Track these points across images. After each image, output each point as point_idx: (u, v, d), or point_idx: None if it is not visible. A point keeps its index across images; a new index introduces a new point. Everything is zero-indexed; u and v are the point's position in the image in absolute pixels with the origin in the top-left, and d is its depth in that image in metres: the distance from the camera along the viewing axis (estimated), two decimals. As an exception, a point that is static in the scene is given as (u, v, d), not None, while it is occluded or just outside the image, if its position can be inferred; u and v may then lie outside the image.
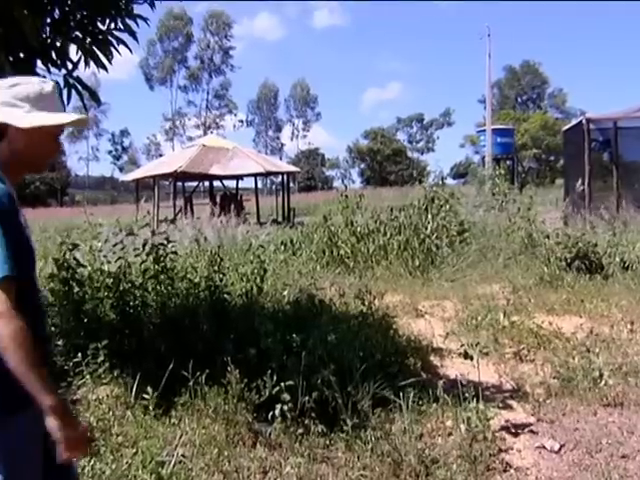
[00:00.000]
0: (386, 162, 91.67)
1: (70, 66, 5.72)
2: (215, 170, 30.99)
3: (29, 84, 2.80)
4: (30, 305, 2.65)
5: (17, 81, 2.79)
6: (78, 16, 5.75)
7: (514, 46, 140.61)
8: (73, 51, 5.75)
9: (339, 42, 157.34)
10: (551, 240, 12.36)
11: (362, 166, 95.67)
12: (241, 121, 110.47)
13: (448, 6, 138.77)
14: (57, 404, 2.45)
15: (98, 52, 5.76)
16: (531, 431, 5.29)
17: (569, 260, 11.43)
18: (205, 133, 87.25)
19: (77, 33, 5.73)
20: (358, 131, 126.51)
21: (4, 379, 2.46)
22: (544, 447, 5.00)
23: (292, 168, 42.91)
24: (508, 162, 49.33)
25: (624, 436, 5.14)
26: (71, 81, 5.68)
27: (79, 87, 5.75)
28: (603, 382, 6.03)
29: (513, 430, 5.29)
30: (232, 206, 25.78)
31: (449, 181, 30.94)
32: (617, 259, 11.84)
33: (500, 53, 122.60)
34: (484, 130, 47.05)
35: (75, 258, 7.12)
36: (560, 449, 4.97)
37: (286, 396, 4.91)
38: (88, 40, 5.74)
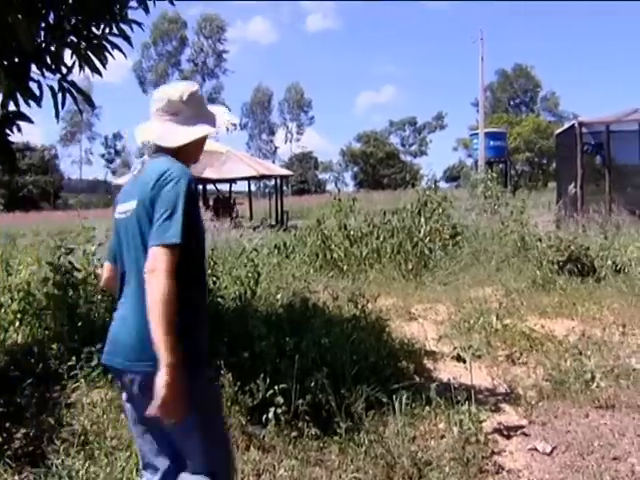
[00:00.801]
0: (379, 165, 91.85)
1: (64, 70, 5.74)
2: (208, 174, 30.93)
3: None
4: (196, 277, 3.25)
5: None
6: (73, 21, 5.76)
7: (507, 49, 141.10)
8: (67, 55, 5.78)
9: (332, 46, 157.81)
10: (543, 243, 12.40)
11: (355, 169, 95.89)
12: (234, 124, 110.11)
13: (442, 10, 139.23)
14: (174, 366, 2.80)
15: (93, 57, 5.78)
16: (523, 433, 5.31)
17: (561, 263, 11.47)
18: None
19: (72, 38, 5.75)
20: (351, 134, 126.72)
21: (193, 339, 3.09)
22: (536, 449, 5.03)
23: (285, 171, 42.91)
24: (501, 165, 49.48)
25: (616, 438, 5.16)
26: (65, 85, 5.70)
27: (73, 91, 5.77)
28: (595, 384, 6.06)
29: (505, 432, 5.32)
30: (225, 209, 25.78)
31: (442, 184, 30.98)
32: (609, 262, 11.88)
33: (493, 56, 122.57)
34: (477, 133, 47.11)
35: (70, 262, 7.15)
36: (552, 451, 5.00)
37: (280, 399, 4.93)
38: (83, 45, 5.76)
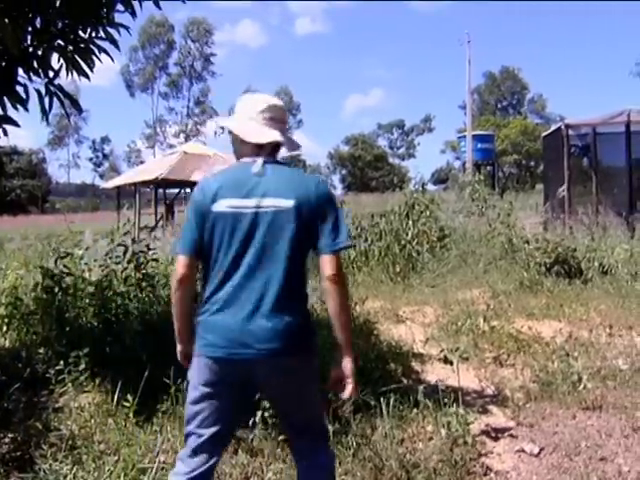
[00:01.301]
0: (367, 168, 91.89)
1: (51, 74, 5.73)
2: (196, 177, 30.82)
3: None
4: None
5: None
6: (60, 24, 5.75)
7: (494, 52, 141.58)
8: (54, 59, 5.77)
9: (321, 49, 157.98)
10: (531, 245, 12.45)
11: (343, 172, 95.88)
12: (222, 128, 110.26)
13: (429, 13, 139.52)
14: (354, 357, 3.57)
15: (80, 60, 5.77)
16: (511, 435, 5.33)
17: (548, 265, 11.52)
18: (186, 140, 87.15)
19: (59, 41, 5.74)
20: (340, 138, 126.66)
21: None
22: (524, 451, 5.04)
23: (273, 174, 42.95)
24: (488, 168, 49.62)
25: (602, 439, 5.19)
26: (52, 89, 5.69)
27: (60, 95, 5.76)
28: (582, 386, 6.09)
29: (493, 434, 5.33)
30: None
31: (430, 187, 31.05)
32: (596, 264, 11.95)
33: (480, 59, 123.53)
34: (464, 136, 47.29)
35: (66, 266, 7.14)
36: (539, 452, 5.02)
37: (266, 402, 4.92)
38: (70, 48, 5.74)
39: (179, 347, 3.80)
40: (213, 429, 3.53)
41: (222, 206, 3.48)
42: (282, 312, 3.41)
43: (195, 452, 3.54)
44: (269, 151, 3.65)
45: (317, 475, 3.69)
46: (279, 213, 3.45)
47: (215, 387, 3.50)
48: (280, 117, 3.76)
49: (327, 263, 3.42)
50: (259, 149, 3.63)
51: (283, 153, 3.76)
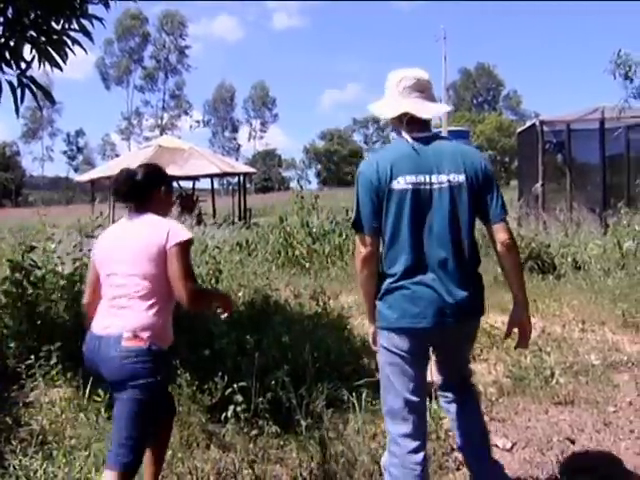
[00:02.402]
0: (342, 163, 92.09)
1: (23, 66, 5.68)
2: (171, 171, 30.70)
3: None
4: None
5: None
6: (32, 15, 5.70)
7: (469, 49, 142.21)
8: (27, 50, 5.72)
9: (298, 44, 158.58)
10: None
11: (318, 167, 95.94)
12: (197, 121, 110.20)
13: (406, 9, 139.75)
14: (528, 309, 4.02)
15: (52, 52, 5.73)
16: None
17: (522, 260, 11.53)
18: (161, 133, 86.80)
19: (31, 32, 5.69)
20: (316, 132, 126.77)
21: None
22: (497, 445, 5.04)
23: (248, 169, 42.78)
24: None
25: (574, 433, 5.21)
26: (25, 81, 5.64)
27: (33, 87, 5.71)
28: (554, 381, 6.12)
29: (466, 429, 5.34)
30: (188, 207, 25.64)
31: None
32: (569, 259, 12.01)
33: (456, 55, 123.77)
34: (440, 131, 47.34)
35: (33, 260, 7.07)
36: (512, 447, 5.04)
37: (239, 397, 4.90)
38: (42, 40, 5.70)
39: (372, 328, 4.01)
40: (415, 397, 3.83)
41: (400, 183, 3.69)
42: (467, 280, 3.76)
43: (413, 426, 3.82)
44: (410, 121, 3.82)
45: (469, 405, 4.15)
46: (453, 187, 3.72)
47: (407, 358, 3.78)
48: (417, 86, 3.90)
49: (500, 230, 3.79)
50: (414, 125, 3.84)
51: (425, 116, 3.87)
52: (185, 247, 3.89)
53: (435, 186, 3.71)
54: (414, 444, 3.78)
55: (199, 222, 19.14)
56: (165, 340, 3.95)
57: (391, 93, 3.95)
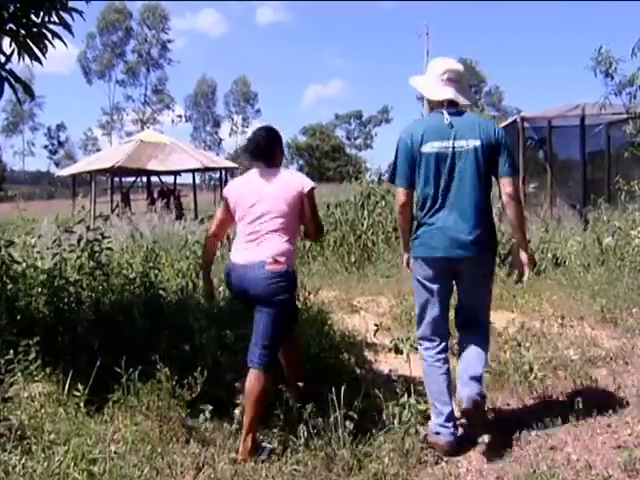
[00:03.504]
0: (325, 158, 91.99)
1: (3, 59, 5.65)
2: (153, 165, 30.68)
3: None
4: None
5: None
6: (12, 8, 5.67)
7: (452, 45, 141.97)
8: (6, 43, 5.68)
9: (282, 39, 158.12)
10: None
11: (300, 162, 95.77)
12: (179, 116, 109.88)
13: (389, 5, 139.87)
14: (527, 249, 5.30)
15: (32, 45, 5.70)
16: (462, 424, 5.36)
17: (503, 256, 11.58)
18: (143, 128, 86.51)
19: (10, 25, 5.66)
20: (298, 127, 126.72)
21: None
22: (476, 440, 5.08)
23: (230, 164, 42.60)
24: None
25: (553, 427, 5.24)
26: (4, 74, 5.61)
27: (12, 80, 5.68)
28: (533, 375, 6.14)
29: (445, 424, 5.36)
30: (169, 202, 25.59)
31: (386, 178, 31.07)
32: (549, 255, 12.06)
33: (438, 51, 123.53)
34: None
35: (10, 255, 7.04)
36: (491, 441, 5.05)
37: (222, 394, 4.91)
38: (22, 33, 5.67)
39: (405, 256, 5.40)
40: (441, 311, 5.16)
41: (428, 147, 4.93)
42: (480, 223, 4.95)
43: (435, 331, 5.19)
44: (449, 104, 5.06)
45: (471, 345, 5.18)
46: (470, 151, 4.91)
47: (436, 280, 5.05)
48: (456, 77, 5.15)
49: (507, 184, 4.98)
50: (442, 103, 5.09)
51: (462, 102, 5.14)
52: (314, 192, 5.21)
53: (457, 149, 4.91)
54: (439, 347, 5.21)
55: (179, 217, 19.07)
56: (293, 264, 5.15)
57: (436, 79, 5.14)
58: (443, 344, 5.20)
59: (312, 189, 5.16)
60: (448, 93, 5.07)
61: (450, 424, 4.98)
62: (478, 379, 5.01)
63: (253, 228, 5.07)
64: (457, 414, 5.21)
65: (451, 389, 5.14)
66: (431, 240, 4.94)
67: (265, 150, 5.25)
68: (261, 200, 5.09)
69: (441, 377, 5.10)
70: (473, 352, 5.14)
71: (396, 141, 5.13)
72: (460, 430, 5.14)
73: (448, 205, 4.92)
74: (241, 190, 5.27)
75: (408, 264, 5.35)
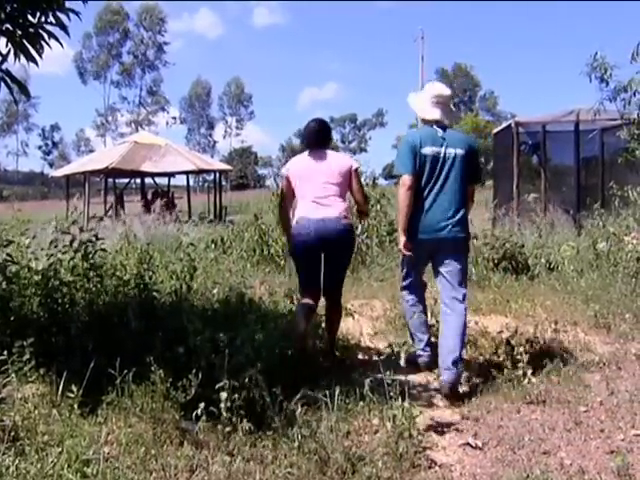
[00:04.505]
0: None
1: (-1, 59, 5.64)
2: (147, 167, 30.73)
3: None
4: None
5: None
6: (8, 8, 5.66)
7: (447, 49, 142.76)
8: (2, 44, 5.67)
9: (279, 41, 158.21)
10: (479, 241, 12.52)
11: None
12: (174, 118, 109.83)
13: (386, 9, 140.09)
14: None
15: (28, 45, 5.69)
16: (456, 429, 5.37)
17: (496, 261, 11.62)
18: (137, 129, 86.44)
19: (7, 25, 5.65)
20: (294, 130, 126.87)
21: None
22: (468, 444, 5.08)
23: (224, 166, 42.68)
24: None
25: (546, 433, 5.25)
26: (0, 74, 5.60)
27: (8, 80, 5.67)
28: (526, 380, 6.14)
29: (438, 428, 5.36)
30: (163, 203, 25.56)
31: (381, 181, 31.10)
32: (543, 260, 12.09)
33: (433, 56, 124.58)
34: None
35: (9, 254, 7.03)
36: (484, 446, 5.07)
37: (224, 394, 4.89)
38: (18, 33, 5.65)
39: (403, 238, 6.47)
40: (421, 272, 7.07)
41: (427, 150, 6.39)
42: (459, 213, 6.44)
43: (415, 285, 7.02)
44: (436, 121, 6.58)
45: (451, 319, 6.39)
46: (457, 157, 6.43)
47: (422, 256, 6.64)
48: (444, 101, 6.68)
49: (472, 189, 6.81)
50: (438, 123, 6.57)
51: (446, 122, 6.65)
52: (359, 170, 7.17)
53: (446, 155, 6.41)
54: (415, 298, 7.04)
55: (174, 219, 19.03)
56: None
57: (428, 101, 6.65)
58: (421, 293, 7.14)
59: (359, 167, 7.08)
60: (436, 114, 6.59)
61: (428, 348, 6.82)
62: (456, 363, 6.13)
63: (319, 193, 6.70)
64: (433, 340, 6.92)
65: (427, 323, 7.11)
66: (422, 225, 6.40)
67: (321, 136, 7.07)
68: (321, 172, 6.78)
69: (420, 313, 6.89)
70: (455, 325, 6.34)
71: (401, 142, 6.78)
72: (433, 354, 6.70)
73: (438, 199, 6.40)
74: (302, 166, 6.96)
75: (404, 244, 6.47)
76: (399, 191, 6.40)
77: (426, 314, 7.09)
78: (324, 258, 6.75)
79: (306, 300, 6.80)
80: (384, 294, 10.40)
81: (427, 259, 6.73)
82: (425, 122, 6.69)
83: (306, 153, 6.99)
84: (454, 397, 6.03)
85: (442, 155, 6.37)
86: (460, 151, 6.40)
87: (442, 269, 6.49)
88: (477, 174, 6.81)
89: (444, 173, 6.38)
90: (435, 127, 6.51)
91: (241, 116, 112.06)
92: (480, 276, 11.18)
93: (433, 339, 6.90)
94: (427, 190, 6.38)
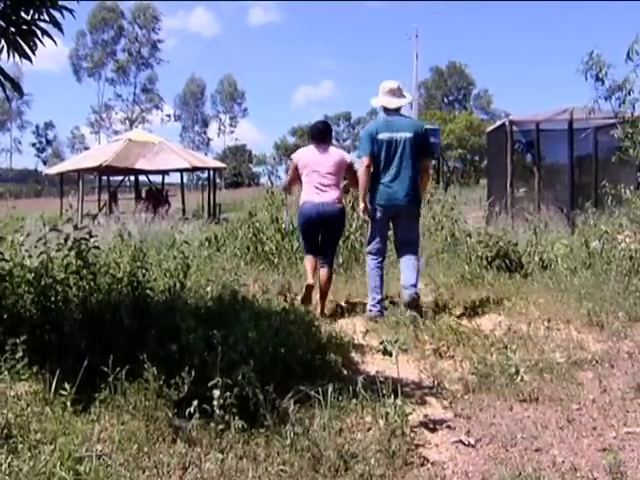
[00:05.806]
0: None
1: (-9, 56, 5.63)
2: (141, 165, 30.67)
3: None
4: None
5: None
6: (1, 5, 5.65)
7: (441, 47, 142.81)
8: (-5, 41, 5.66)
9: (274, 40, 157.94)
10: (473, 239, 12.52)
11: (289, 163, 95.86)
12: (168, 116, 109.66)
13: (380, 7, 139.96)
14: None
15: (22, 42, 5.68)
16: (448, 426, 5.37)
17: (490, 259, 11.61)
18: (132, 127, 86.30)
19: (0, 23, 5.64)
20: (288, 128, 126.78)
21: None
22: (461, 442, 5.09)
23: (218, 164, 42.61)
24: (433, 162, 49.84)
25: (538, 430, 5.26)
26: (-8, 71, 5.59)
27: (1, 78, 5.66)
28: (519, 378, 6.15)
29: (431, 425, 5.36)
30: (157, 201, 25.54)
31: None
32: (536, 258, 12.08)
33: (427, 54, 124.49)
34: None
35: (1, 252, 7.01)
36: (476, 443, 5.07)
37: (216, 392, 4.89)
38: (12, 30, 5.65)
39: (363, 205, 8.75)
40: (384, 237, 8.94)
41: (382, 136, 8.48)
42: (411, 187, 8.54)
43: (379, 250, 8.95)
44: (394, 110, 8.73)
45: (408, 261, 8.80)
46: (406, 140, 8.46)
47: (384, 220, 8.74)
48: (392, 91, 8.79)
49: (426, 163, 8.98)
50: (389, 110, 8.71)
51: (399, 104, 8.86)
52: (353, 163, 9.13)
53: (398, 139, 8.47)
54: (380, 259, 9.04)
55: (168, 217, 19.02)
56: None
57: (381, 94, 8.79)
58: (382, 258, 9.05)
59: (352, 162, 9.20)
60: (382, 101, 8.81)
61: (379, 305, 8.75)
62: (414, 285, 8.58)
63: (320, 181, 8.95)
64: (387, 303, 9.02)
65: (383, 285, 8.98)
66: (383, 195, 8.62)
67: (325, 133, 9.34)
68: (322, 164, 9.02)
69: (378, 277, 8.85)
70: (409, 264, 8.77)
71: (363, 131, 9.36)
72: (385, 311, 8.71)
73: (394, 175, 8.56)
74: (308, 156, 9.23)
75: (365, 210, 8.78)
76: (359, 170, 8.77)
77: (383, 277, 9.03)
78: (322, 232, 9.10)
79: (310, 257, 9.28)
80: (378, 292, 10.37)
81: (388, 224, 8.89)
82: (385, 111, 8.88)
83: (312, 146, 9.25)
84: (414, 306, 8.40)
85: (395, 139, 8.51)
86: (409, 134, 8.52)
87: (399, 228, 8.89)
88: (427, 151, 9.05)
89: (399, 153, 8.52)
90: (388, 117, 8.78)
91: (234, 113, 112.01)
92: (473, 274, 11.17)
93: (401, 303, 8.73)
94: (387, 167, 8.58)
